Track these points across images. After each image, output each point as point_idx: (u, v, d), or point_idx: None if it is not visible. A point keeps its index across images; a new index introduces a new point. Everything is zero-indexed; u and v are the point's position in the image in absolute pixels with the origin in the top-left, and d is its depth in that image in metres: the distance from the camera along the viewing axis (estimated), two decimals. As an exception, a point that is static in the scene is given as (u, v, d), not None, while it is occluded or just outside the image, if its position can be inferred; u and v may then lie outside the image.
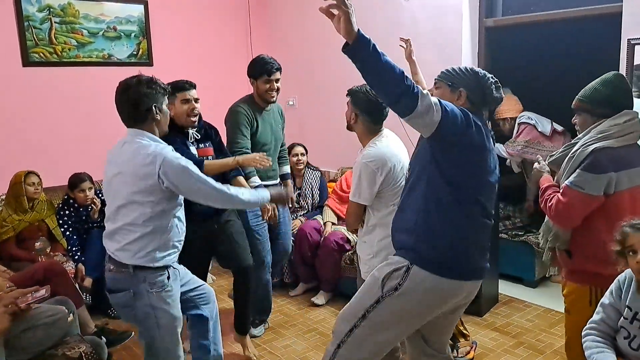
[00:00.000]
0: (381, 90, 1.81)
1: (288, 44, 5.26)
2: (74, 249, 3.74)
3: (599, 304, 1.93)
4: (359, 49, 1.74)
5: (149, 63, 4.77)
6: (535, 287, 4.06)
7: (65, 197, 3.86)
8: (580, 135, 2.22)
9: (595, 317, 1.91)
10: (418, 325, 2.10)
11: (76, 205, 3.83)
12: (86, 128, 4.46)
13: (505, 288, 4.01)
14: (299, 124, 5.09)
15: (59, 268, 3.18)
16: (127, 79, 2.24)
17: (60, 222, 3.79)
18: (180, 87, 2.90)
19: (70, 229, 3.80)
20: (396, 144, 2.53)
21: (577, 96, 2.27)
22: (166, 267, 2.24)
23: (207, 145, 3.06)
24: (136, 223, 2.16)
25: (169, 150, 2.18)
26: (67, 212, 3.81)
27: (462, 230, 1.98)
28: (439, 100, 1.84)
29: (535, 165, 2.46)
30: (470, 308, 3.51)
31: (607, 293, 1.90)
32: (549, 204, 2.17)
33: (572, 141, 2.25)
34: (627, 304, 1.81)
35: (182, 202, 2.30)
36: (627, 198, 2.11)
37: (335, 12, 1.76)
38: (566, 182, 2.14)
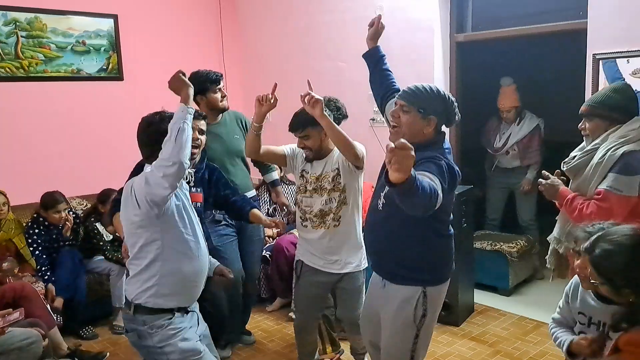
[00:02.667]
0: (415, 209, 1.80)
1: (262, 58, 5.26)
2: (43, 268, 3.63)
3: (557, 306, 2.00)
4: (406, 191, 1.67)
5: (120, 77, 4.71)
6: (509, 296, 4.14)
7: (35, 215, 3.76)
8: (598, 141, 2.32)
9: (556, 315, 1.99)
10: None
11: (46, 223, 3.73)
12: (55, 144, 4.36)
13: (481, 297, 4.07)
14: (275, 138, 5.07)
15: (30, 289, 3.09)
16: (149, 115, 2.18)
17: (29, 241, 3.69)
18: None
19: (40, 248, 3.69)
20: None
21: (586, 102, 2.39)
22: (172, 310, 2.12)
23: (199, 190, 2.76)
24: (138, 257, 2.10)
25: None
26: (36, 230, 3.71)
27: (449, 244, 2.25)
28: (440, 183, 1.86)
29: (544, 181, 2.49)
30: (447, 318, 3.61)
31: (563, 295, 1.96)
32: (587, 211, 2.23)
33: (589, 147, 2.34)
34: (579, 310, 1.86)
35: (180, 240, 2.14)
36: None
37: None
38: (603, 187, 2.23)
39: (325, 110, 2.38)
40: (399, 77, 4.49)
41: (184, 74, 2.19)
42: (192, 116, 2.08)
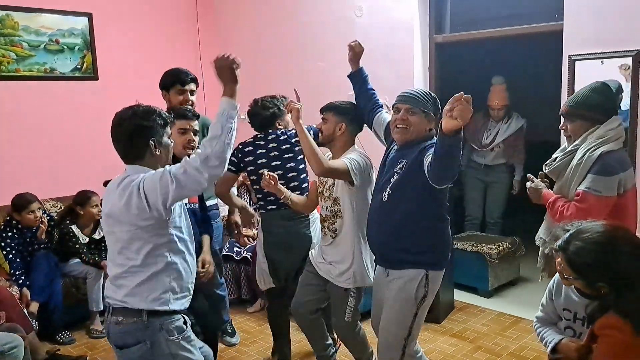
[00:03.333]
0: (448, 170, 2.11)
1: (239, 55, 5.16)
2: (17, 272, 3.53)
3: (540, 304, 2.04)
4: (458, 140, 1.98)
5: (94, 77, 4.63)
6: (490, 297, 4.16)
7: (8, 218, 3.65)
8: (578, 141, 2.34)
9: (540, 313, 2.03)
10: None
11: (20, 226, 3.63)
12: (27, 145, 4.25)
13: (461, 295, 4.12)
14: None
15: (6, 293, 3.01)
16: (122, 110, 2.02)
17: (3, 244, 3.58)
18: (181, 114, 2.63)
19: (14, 252, 3.59)
20: None
21: (566, 103, 2.42)
22: (180, 312, 2.06)
23: None
24: (147, 263, 1.96)
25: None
26: (9, 234, 3.61)
27: (448, 227, 2.47)
28: None
29: (529, 184, 2.52)
30: (428, 316, 3.60)
31: (546, 292, 2.01)
32: (567, 213, 2.24)
33: (570, 148, 2.36)
34: (563, 307, 1.92)
35: (180, 239, 2.06)
36: (630, 197, 2.27)
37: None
38: (582, 188, 2.25)
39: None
40: (379, 76, 4.55)
41: (237, 66, 2.02)
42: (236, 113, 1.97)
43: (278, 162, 2.93)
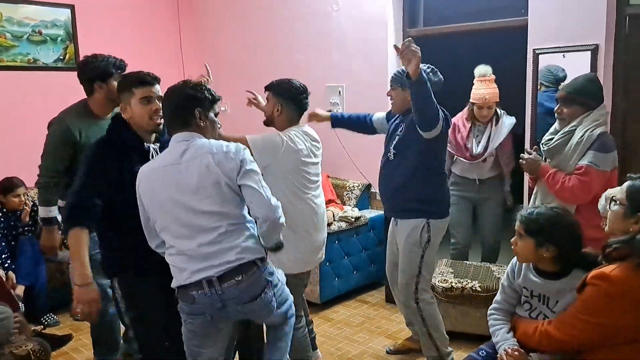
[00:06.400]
0: (424, 111, 2.57)
1: (219, 49, 5.33)
2: (3, 256, 3.62)
3: (500, 285, 2.27)
4: (420, 83, 2.46)
5: (77, 68, 4.61)
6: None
7: (-7, 203, 3.74)
8: (574, 123, 2.63)
9: (498, 297, 2.26)
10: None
11: (4, 210, 3.72)
12: (11, 134, 4.32)
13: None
14: (234, 130, 5.16)
15: (-8, 273, 3.09)
16: (175, 84, 2.09)
17: (-13, 229, 3.66)
18: (140, 80, 2.22)
19: (-1, 236, 3.68)
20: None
21: (565, 89, 2.71)
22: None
23: None
24: (240, 217, 2.04)
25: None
26: (-6, 218, 3.70)
27: (445, 181, 2.95)
28: (443, 117, 2.65)
29: (526, 156, 2.78)
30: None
31: (505, 276, 2.24)
32: (569, 184, 2.54)
33: (567, 129, 2.64)
34: (522, 286, 2.15)
35: None
36: (615, 174, 2.59)
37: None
38: (584, 163, 2.54)
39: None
40: (354, 69, 4.71)
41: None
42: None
43: None
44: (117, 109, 2.55)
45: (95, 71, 2.73)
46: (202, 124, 2.05)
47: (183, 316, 2.08)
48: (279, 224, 2.01)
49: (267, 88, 2.72)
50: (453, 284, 3.32)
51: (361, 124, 3.18)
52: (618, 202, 1.87)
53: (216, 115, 2.13)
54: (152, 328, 2.25)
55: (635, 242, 1.74)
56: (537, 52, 3.47)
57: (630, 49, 3.21)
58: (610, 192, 1.96)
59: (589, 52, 3.25)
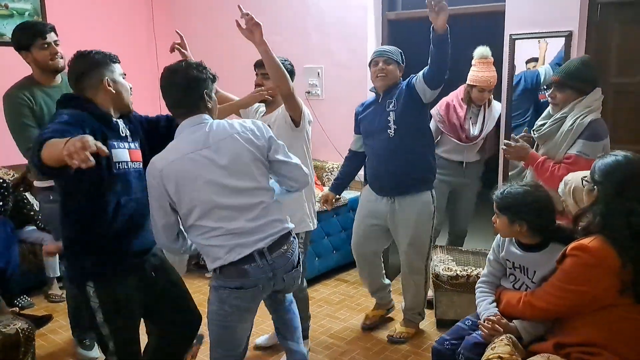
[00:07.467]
0: (444, 67, 2.72)
1: (194, 35, 5.19)
2: (-26, 238, 3.51)
3: (486, 259, 2.38)
4: (446, 38, 2.64)
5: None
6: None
7: (-39, 184, 3.60)
8: (566, 110, 2.60)
9: (485, 270, 2.37)
10: None
11: (-26, 192, 3.60)
12: (-24, 111, 4.15)
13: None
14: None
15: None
16: (172, 64, 2.06)
17: (-44, 210, 3.53)
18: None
19: (-31, 217, 3.56)
20: None
21: (558, 73, 2.67)
22: None
23: (137, 146, 2.17)
24: (270, 188, 2.16)
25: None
26: (-37, 199, 3.57)
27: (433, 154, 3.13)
28: None
29: (512, 142, 2.72)
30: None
31: (491, 250, 2.35)
32: (559, 173, 2.48)
33: (558, 115, 2.61)
34: (505, 258, 2.27)
35: None
36: None
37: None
38: (573, 152, 2.52)
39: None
40: (333, 51, 4.70)
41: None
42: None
43: None
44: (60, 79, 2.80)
45: (18, 44, 2.75)
46: (209, 105, 2.07)
47: (225, 293, 2.03)
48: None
49: (259, 65, 2.77)
50: (458, 272, 3.24)
51: (355, 165, 3.28)
52: (587, 180, 1.98)
53: (215, 93, 2.14)
54: (134, 335, 2.14)
55: (602, 217, 1.86)
56: (513, 37, 3.56)
57: (601, 35, 3.34)
58: (571, 175, 2.12)
59: (563, 39, 3.37)
